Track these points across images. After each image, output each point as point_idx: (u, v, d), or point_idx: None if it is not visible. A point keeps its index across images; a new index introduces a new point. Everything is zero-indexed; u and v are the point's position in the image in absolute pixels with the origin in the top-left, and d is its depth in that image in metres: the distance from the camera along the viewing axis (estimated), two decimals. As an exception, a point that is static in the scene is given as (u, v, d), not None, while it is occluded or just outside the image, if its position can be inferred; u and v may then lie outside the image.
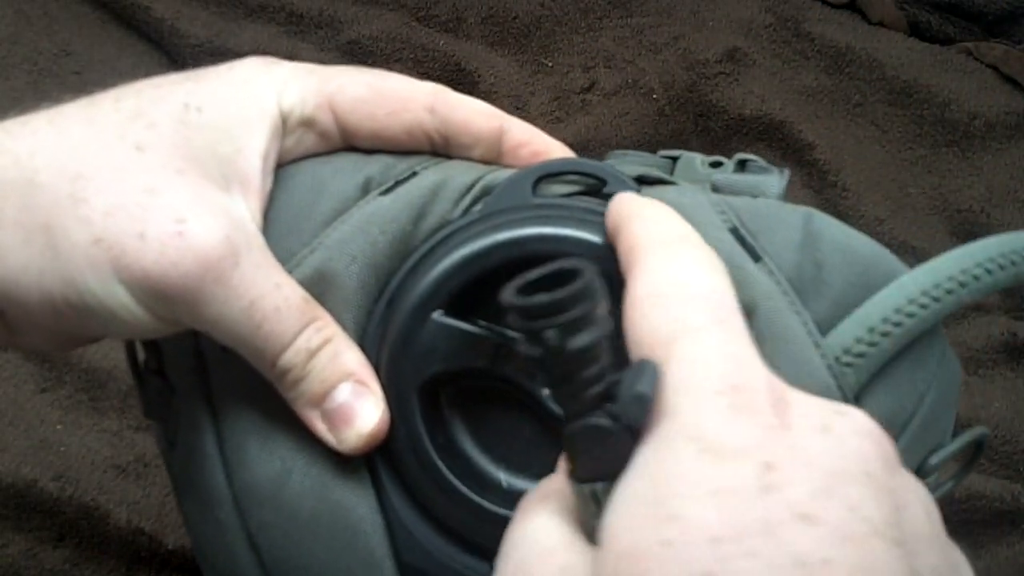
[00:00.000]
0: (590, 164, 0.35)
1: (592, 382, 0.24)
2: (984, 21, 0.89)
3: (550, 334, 0.23)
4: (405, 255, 0.34)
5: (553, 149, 0.36)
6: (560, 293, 0.23)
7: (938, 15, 0.89)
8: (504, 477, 0.33)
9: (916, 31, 0.89)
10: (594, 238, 0.32)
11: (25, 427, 0.56)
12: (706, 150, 0.84)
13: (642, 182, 0.35)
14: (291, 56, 0.88)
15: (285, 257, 0.33)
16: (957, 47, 0.87)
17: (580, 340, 0.23)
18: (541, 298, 0.23)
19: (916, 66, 0.83)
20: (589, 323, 0.23)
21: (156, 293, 0.30)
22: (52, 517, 0.52)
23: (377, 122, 0.35)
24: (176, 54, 0.79)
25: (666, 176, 0.36)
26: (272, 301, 0.31)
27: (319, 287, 0.33)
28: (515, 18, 0.85)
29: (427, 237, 0.34)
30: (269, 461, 0.33)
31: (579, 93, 0.81)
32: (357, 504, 0.33)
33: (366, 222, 0.34)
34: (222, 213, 0.31)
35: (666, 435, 0.22)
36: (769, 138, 0.80)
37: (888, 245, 0.34)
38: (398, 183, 0.35)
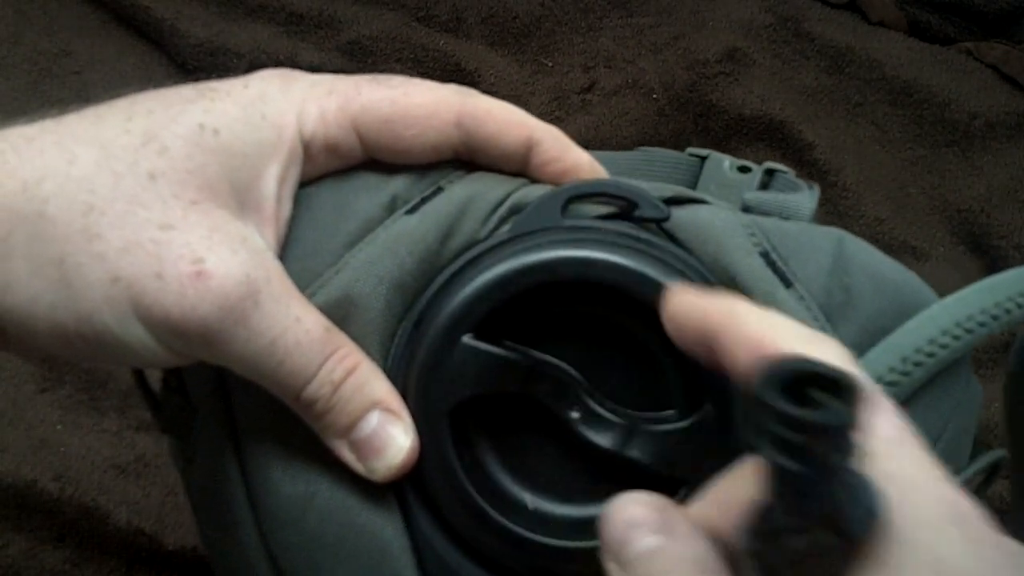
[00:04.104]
0: (622, 186, 0.34)
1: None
2: (984, 21, 0.89)
3: (822, 449, 0.20)
4: (432, 275, 0.33)
5: (583, 166, 0.35)
6: (845, 416, 0.20)
7: (938, 15, 0.89)
8: (530, 499, 0.33)
9: (916, 31, 0.89)
10: (625, 262, 0.32)
11: (25, 427, 0.56)
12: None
13: (673, 203, 0.34)
14: (291, 56, 0.88)
15: (309, 278, 0.33)
16: (957, 47, 0.87)
17: (840, 460, 0.21)
18: (825, 416, 0.20)
19: (916, 66, 0.83)
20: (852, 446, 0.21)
21: (176, 333, 0.30)
22: (52, 517, 0.52)
23: (403, 142, 0.34)
24: (176, 54, 0.79)
25: (696, 195, 0.35)
26: (293, 336, 0.31)
27: (344, 309, 0.32)
28: (515, 18, 0.85)
29: (455, 256, 0.33)
30: (292, 484, 0.33)
31: (579, 93, 0.81)
32: (383, 527, 0.32)
33: (393, 242, 0.33)
34: (240, 246, 0.31)
35: (899, 563, 0.22)
36: (769, 138, 0.80)
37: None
38: (424, 200, 0.34)
